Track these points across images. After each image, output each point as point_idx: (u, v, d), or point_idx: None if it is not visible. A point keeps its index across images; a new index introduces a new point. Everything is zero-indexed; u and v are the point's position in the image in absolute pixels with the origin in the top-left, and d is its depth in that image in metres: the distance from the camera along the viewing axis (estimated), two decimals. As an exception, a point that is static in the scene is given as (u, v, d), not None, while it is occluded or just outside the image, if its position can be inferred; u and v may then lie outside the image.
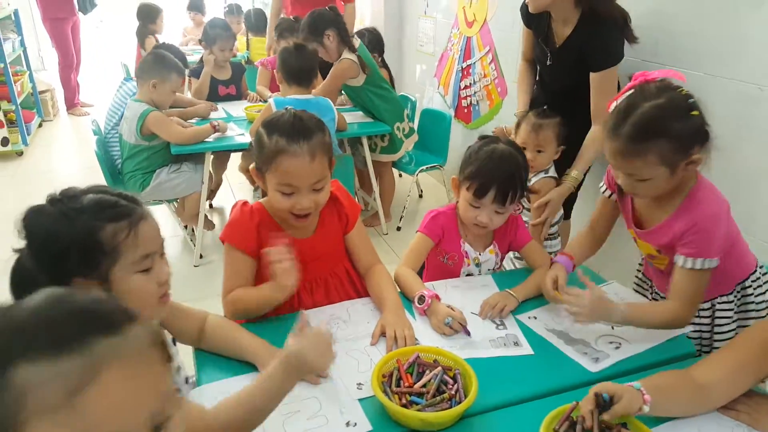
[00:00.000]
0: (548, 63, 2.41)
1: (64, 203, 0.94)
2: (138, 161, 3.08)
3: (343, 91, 3.70)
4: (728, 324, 1.60)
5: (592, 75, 2.22)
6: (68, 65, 6.01)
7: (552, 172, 2.36)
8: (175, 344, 1.19)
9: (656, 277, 1.70)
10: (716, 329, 1.62)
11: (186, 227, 3.50)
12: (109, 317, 0.60)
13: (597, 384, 1.10)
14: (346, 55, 3.37)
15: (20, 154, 4.99)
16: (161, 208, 3.34)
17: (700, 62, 2.25)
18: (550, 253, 2.43)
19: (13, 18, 5.61)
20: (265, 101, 3.49)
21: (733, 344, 1.23)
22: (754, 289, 1.61)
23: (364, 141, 3.51)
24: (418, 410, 1.14)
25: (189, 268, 3.26)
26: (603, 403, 1.06)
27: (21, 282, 0.93)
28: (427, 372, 1.23)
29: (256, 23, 5.00)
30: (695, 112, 1.29)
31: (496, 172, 1.59)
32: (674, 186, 1.38)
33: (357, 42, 3.45)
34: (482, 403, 1.18)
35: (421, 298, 1.50)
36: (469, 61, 3.94)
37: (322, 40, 3.33)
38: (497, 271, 1.80)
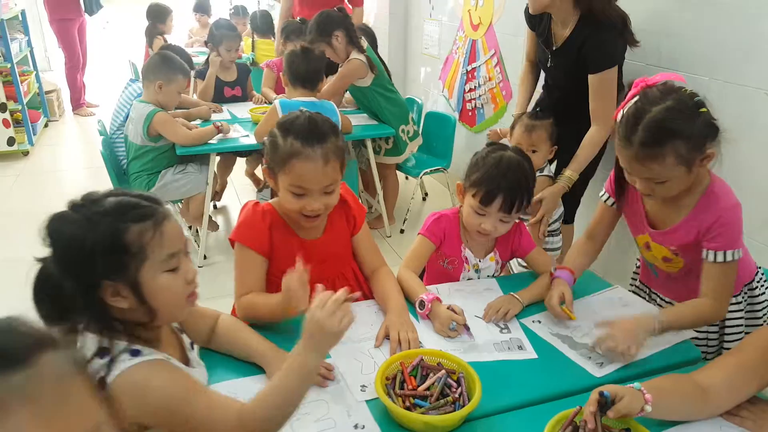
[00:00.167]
0: (549, 65, 2.44)
1: (87, 208, 0.93)
2: (144, 162, 3.10)
3: (348, 92, 3.70)
4: (738, 326, 1.61)
5: (590, 77, 2.23)
6: (74, 66, 6.03)
7: (547, 171, 2.41)
8: (192, 348, 1.20)
9: (661, 283, 1.69)
10: (726, 330, 1.63)
11: (190, 228, 3.51)
12: (11, 349, 0.53)
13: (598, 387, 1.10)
14: (355, 55, 3.38)
15: (26, 153, 5.01)
16: (166, 208, 3.35)
17: (705, 67, 2.25)
18: (552, 250, 2.45)
19: (20, 18, 5.63)
20: (270, 103, 3.50)
21: (737, 349, 1.24)
22: (761, 291, 1.61)
23: (368, 143, 3.51)
24: (422, 413, 1.14)
25: (193, 269, 3.26)
26: (605, 403, 1.05)
27: (45, 289, 0.93)
28: (431, 375, 1.23)
29: (262, 25, 5.02)
30: (704, 109, 1.31)
31: (504, 180, 1.57)
32: (689, 184, 1.40)
33: (364, 44, 3.46)
34: (486, 406, 1.17)
35: (421, 304, 1.50)
36: (474, 64, 3.95)
37: (331, 41, 3.35)
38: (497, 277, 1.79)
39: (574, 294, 1.56)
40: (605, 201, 1.66)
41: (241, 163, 4.13)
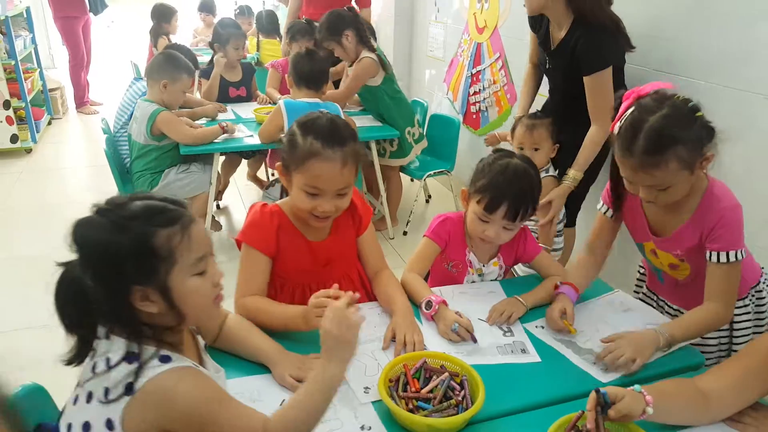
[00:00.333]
0: (547, 66, 2.49)
1: (114, 212, 0.93)
2: (147, 161, 3.10)
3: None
4: (746, 329, 1.62)
5: (584, 78, 2.27)
6: (78, 64, 6.05)
7: (552, 172, 2.45)
8: (206, 347, 1.20)
9: (669, 289, 1.69)
10: (735, 333, 1.63)
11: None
12: None
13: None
14: (366, 54, 3.40)
15: (29, 151, 5.01)
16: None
17: (705, 71, 2.26)
18: (555, 250, 2.46)
19: (24, 15, 5.65)
20: (275, 104, 3.50)
21: (740, 355, 1.24)
22: (767, 293, 1.62)
23: (372, 145, 3.51)
24: (425, 415, 1.14)
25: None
26: (604, 404, 1.05)
27: (69, 294, 0.93)
28: (434, 377, 1.22)
29: (267, 25, 5.02)
30: (699, 113, 1.33)
31: (509, 188, 1.56)
32: (690, 187, 1.41)
33: (374, 43, 3.47)
34: (489, 409, 1.17)
35: (428, 304, 1.50)
36: (478, 67, 3.95)
37: (341, 40, 3.37)
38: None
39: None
40: (604, 213, 1.66)
41: (245, 163, 4.13)
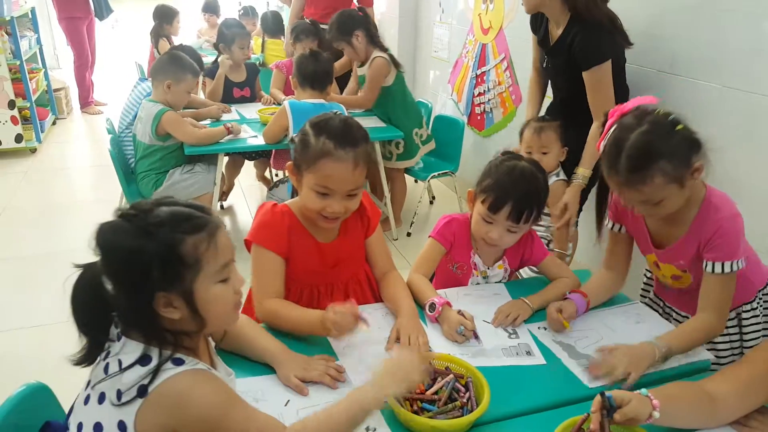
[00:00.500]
0: (547, 65, 2.51)
1: (140, 218, 0.92)
2: (152, 161, 3.10)
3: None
4: (756, 332, 1.61)
5: (583, 75, 2.29)
6: (83, 64, 6.06)
7: (562, 175, 2.44)
8: (216, 348, 1.20)
9: (675, 296, 1.68)
10: (745, 337, 1.62)
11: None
12: None
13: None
14: (378, 53, 3.41)
15: (33, 151, 5.02)
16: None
17: (710, 72, 2.25)
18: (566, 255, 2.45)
19: (30, 16, 5.66)
20: (279, 104, 3.50)
21: (747, 359, 1.23)
22: None
23: (377, 146, 3.51)
24: (430, 417, 1.13)
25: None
26: (609, 407, 1.04)
27: (86, 297, 0.93)
28: (439, 379, 1.22)
29: (273, 25, 5.03)
30: (680, 126, 1.33)
31: (514, 189, 1.56)
32: (686, 199, 1.40)
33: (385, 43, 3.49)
34: (494, 412, 1.17)
35: (432, 306, 1.49)
36: (483, 68, 3.94)
37: (351, 40, 3.37)
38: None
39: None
40: (611, 228, 1.65)
41: (248, 163, 4.13)
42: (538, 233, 2.32)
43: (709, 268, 1.43)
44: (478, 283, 1.73)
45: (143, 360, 0.92)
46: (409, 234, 3.75)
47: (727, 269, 1.41)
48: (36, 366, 1.72)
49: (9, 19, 4.67)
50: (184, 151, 3.10)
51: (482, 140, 4.07)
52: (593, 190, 2.46)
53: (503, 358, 1.38)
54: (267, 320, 1.44)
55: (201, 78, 3.87)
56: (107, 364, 0.94)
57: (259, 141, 3.21)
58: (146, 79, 3.59)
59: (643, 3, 2.50)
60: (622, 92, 2.34)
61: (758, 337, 1.61)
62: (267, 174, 4.31)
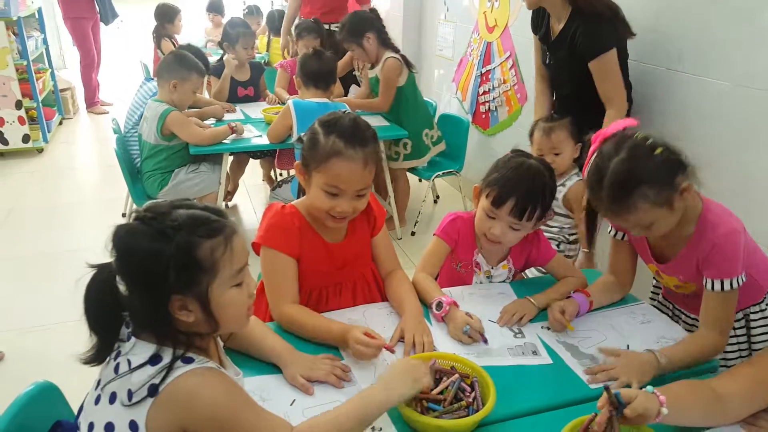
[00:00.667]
0: (549, 62, 2.50)
1: (158, 221, 0.92)
2: (157, 161, 3.11)
3: (373, 91, 3.69)
4: (764, 333, 1.60)
5: (590, 65, 2.29)
6: (89, 64, 6.08)
7: (581, 176, 2.35)
8: (223, 347, 1.20)
9: (683, 300, 1.67)
10: (753, 339, 1.61)
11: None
12: None
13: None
14: (389, 54, 3.42)
15: (40, 151, 5.05)
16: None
17: (714, 69, 2.23)
18: (570, 256, 2.42)
19: (36, 16, 5.68)
20: (284, 104, 3.51)
21: (756, 359, 1.23)
22: None
23: (381, 145, 3.51)
24: (436, 417, 1.13)
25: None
26: (618, 405, 1.03)
27: (99, 297, 0.93)
28: (445, 379, 1.22)
29: (279, 24, 5.03)
30: (658, 150, 1.31)
31: (519, 184, 1.55)
32: (681, 215, 1.39)
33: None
34: (500, 411, 1.17)
35: (439, 305, 1.49)
36: (488, 67, 3.93)
37: (362, 42, 3.38)
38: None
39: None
40: (614, 236, 1.64)
41: (253, 163, 4.14)
42: (550, 234, 2.31)
43: (708, 286, 1.41)
44: (481, 283, 1.73)
45: (153, 360, 0.92)
46: (413, 233, 3.75)
47: (726, 287, 1.39)
48: (44, 365, 1.73)
49: (16, 19, 4.68)
50: (189, 151, 3.10)
51: (487, 139, 4.06)
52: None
53: (509, 358, 1.38)
54: (285, 326, 1.43)
55: (206, 77, 3.88)
56: (117, 364, 0.94)
57: (263, 140, 3.21)
58: (152, 79, 3.60)
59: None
60: (627, 88, 2.34)
61: (766, 339, 1.60)
62: (272, 174, 4.31)
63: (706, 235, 1.40)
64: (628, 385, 1.22)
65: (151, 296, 0.91)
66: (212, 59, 4.39)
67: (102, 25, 6.23)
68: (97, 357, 0.97)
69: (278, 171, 4.30)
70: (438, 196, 4.33)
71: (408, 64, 3.49)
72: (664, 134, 1.38)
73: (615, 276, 1.65)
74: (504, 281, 1.75)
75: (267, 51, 5.07)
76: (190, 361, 0.94)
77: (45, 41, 5.78)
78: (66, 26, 6.07)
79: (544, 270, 1.78)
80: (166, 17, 5.27)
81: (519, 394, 1.26)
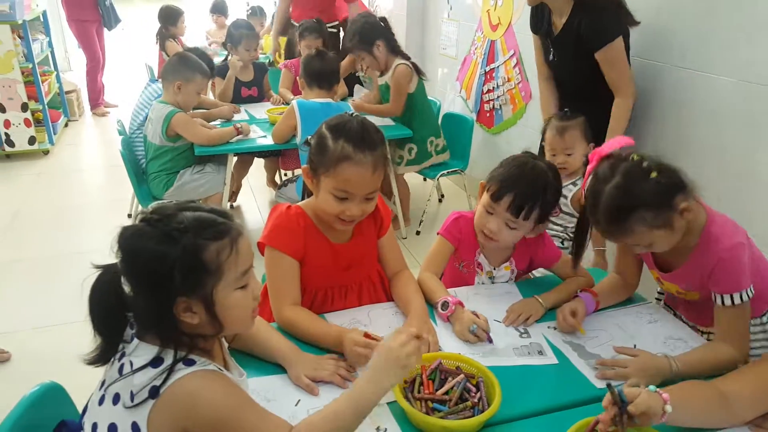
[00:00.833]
0: (553, 58, 2.50)
1: (164, 223, 0.92)
2: (162, 162, 3.12)
3: (383, 96, 3.69)
4: (763, 348, 1.57)
5: (596, 56, 2.29)
6: (95, 66, 6.11)
7: None
8: (228, 347, 1.20)
9: (684, 306, 1.66)
10: (751, 353, 1.58)
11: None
12: None
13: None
14: (399, 61, 3.43)
15: (46, 152, 5.07)
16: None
17: (733, 67, 2.20)
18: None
19: (41, 19, 5.70)
20: (288, 104, 3.51)
21: (763, 360, 1.22)
22: None
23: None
24: (441, 417, 1.13)
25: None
26: (621, 403, 1.03)
27: (103, 298, 0.94)
28: (450, 379, 1.21)
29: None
30: (653, 174, 1.30)
31: (520, 180, 1.54)
32: (680, 234, 1.37)
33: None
34: (505, 412, 1.16)
35: (445, 304, 1.49)
36: (492, 65, 3.92)
37: (372, 50, 3.39)
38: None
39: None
40: None
41: (257, 163, 4.14)
42: (554, 232, 2.30)
43: (718, 301, 1.39)
44: (483, 283, 1.72)
45: (155, 362, 0.92)
46: (418, 233, 3.75)
47: (736, 300, 1.37)
48: (50, 366, 1.73)
49: (21, 22, 4.70)
50: (194, 152, 3.11)
51: (491, 137, 4.05)
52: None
53: (514, 358, 1.37)
54: (285, 328, 1.43)
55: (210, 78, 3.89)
56: (122, 365, 0.95)
57: (268, 141, 3.22)
58: (156, 81, 3.61)
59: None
60: None
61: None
62: (276, 178, 4.30)
63: (710, 247, 1.38)
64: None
65: (155, 298, 0.91)
66: (217, 60, 4.40)
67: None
68: (101, 358, 0.97)
69: (283, 171, 4.30)
70: (443, 195, 4.32)
71: (418, 71, 3.49)
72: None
73: (621, 276, 1.64)
74: (506, 283, 1.73)
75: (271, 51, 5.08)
76: (191, 363, 0.94)
77: (50, 44, 5.80)
78: (70, 29, 6.09)
79: (549, 270, 1.77)
80: (170, 19, 5.28)
81: (524, 394, 1.25)
